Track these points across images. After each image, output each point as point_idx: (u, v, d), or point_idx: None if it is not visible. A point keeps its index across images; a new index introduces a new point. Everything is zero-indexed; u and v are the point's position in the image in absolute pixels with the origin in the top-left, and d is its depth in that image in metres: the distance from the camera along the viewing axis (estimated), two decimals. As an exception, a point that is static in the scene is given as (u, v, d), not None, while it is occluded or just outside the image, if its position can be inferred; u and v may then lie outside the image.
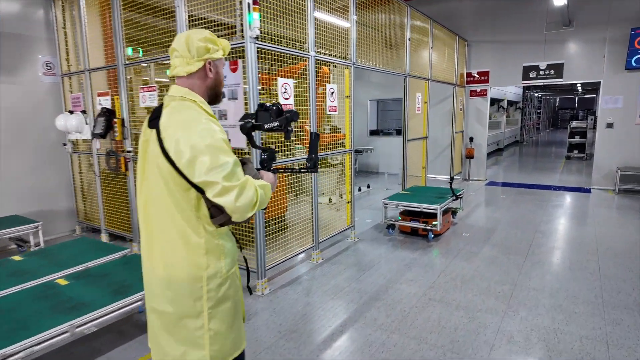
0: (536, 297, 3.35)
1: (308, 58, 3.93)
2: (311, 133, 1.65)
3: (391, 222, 5.16)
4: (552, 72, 8.15)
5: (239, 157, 1.58)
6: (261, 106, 1.64)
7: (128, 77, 4.55)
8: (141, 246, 1.50)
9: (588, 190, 7.82)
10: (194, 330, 1.43)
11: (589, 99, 38.20)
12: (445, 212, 5.12)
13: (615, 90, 7.56)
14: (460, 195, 5.29)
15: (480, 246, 4.66)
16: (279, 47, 3.54)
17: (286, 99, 3.69)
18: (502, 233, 5.15)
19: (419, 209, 4.88)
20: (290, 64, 3.97)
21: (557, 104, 39.74)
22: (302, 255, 4.30)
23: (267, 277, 3.61)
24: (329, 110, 4.35)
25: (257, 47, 3.29)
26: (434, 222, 4.80)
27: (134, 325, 3.02)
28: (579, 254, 4.32)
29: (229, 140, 1.66)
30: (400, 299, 3.38)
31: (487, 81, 8.98)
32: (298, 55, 3.83)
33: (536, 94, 26.98)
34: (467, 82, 9.19)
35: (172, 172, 1.35)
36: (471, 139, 9.33)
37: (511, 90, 18.05)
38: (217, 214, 1.39)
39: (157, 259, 1.43)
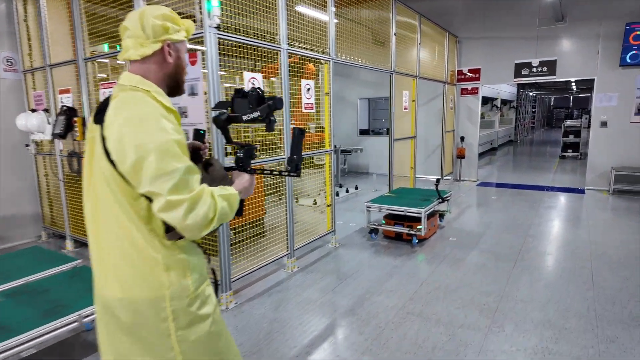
0: (524, 310, 3.08)
1: (280, 51, 3.65)
2: (294, 129, 1.39)
3: (374, 226, 4.88)
4: (544, 69, 7.90)
5: (205, 158, 1.35)
6: (238, 92, 1.40)
7: (92, 72, 4.25)
8: (92, 263, 1.30)
9: (582, 191, 7.58)
10: (161, 354, 1.23)
11: (584, 98, 38.19)
12: (431, 215, 4.85)
13: (609, 88, 7.32)
14: (446, 197, 5.02)
15: (467, 252, 4.39)
16: (243, 37, 3.24)
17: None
18: (491, 237, 4.88)
19: (402, 213, 4.61)
20: (275, 60, 3.72)
21: (552, 103, 39.68)
22: (277, 262, 4.00)
23: (232, 289, 3.32)
24: (305, 108, 4.07)
25: (219, 38, 3.00)
26: (418, 227, 4.53)
27: (80, 346, 2.72)
28: (571, 261, 4.06)
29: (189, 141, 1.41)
30: (376, 312, 3.10)
31: (478, 79, 8.73)
32: (267, 48, 3.54)
33: (531, 93, 26.84)
34: (458, 80, 8.93)
35: (117, 178, 1.16)
36: (462, 139, 9.08)
37: (505, 89, 17.84)
38: (172, 228, 1.19)
39: (111, 278, 1.24)
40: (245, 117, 1.36)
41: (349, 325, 2.94)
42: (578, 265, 3.93)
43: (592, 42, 7.39)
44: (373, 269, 3.98)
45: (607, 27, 7.19)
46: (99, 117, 1.20)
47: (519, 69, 8.16)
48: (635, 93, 7.11)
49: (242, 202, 1.38)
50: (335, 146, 8.28)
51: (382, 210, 4.80)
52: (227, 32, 3.09)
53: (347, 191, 7.97)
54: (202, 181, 1.24)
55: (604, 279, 3.58)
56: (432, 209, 4.74)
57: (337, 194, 7.60)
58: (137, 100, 1.19)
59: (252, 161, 1.43)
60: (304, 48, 4.07)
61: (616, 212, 6.02)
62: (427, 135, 9.27)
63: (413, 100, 6.83)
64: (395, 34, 5.86)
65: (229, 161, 3.02)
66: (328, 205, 4.70)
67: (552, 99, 39.49)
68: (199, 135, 1.52)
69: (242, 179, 1.39)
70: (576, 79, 7.73)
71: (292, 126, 4.72)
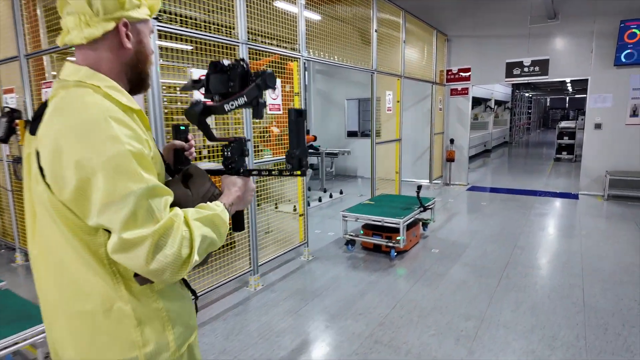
0: (505, 338, 2.74)
1: (238, 46, 3.29)
2: (289, 110, 1.06)
3: (351, 237, 4.52)
4: (536, 68, 7.58)
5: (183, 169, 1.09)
6: (215, 66, 1.04)
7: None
8: (42, 316, 1.01)
9: (575, 196, 7.26)
10: None
11: (580, 99, 38.06)
12: (412, 225, 4.50)
13: (604, 88, 7.01)
14: (429, 206, 4.67)
15: (449, 266, 4.05)
16: (188, 30, 2.88)
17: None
18: (477, 249, 4.54)
19: (380, 223, 4.26)
20: (253, 59, 3.39)
21: (548, 104, 39.52)
22: (241, 279, 3.64)
23: (180, 313, 2.95)
24: (269, 109, 3.71)
25: (158, 30, 2.63)
26: (398, 238, 4.18)
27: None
28: (561, 277, 3.71)
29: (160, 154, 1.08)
30: (339, 342, 2.74)
31: (468, 79, 8.40)
32: (222, 43, 3.18)
33: (526, 94, 26.59)
34: (448, 80, 8.60)
35: (61, 209, 0.87)
36: (452, 141, 8.75)
37: (499, 90, 17.55)
38: None
39: (66, 338, 0.95)
40: (228, 106, 1.01)
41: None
42: (568, 282, 3.59)
43: (585, 41, 7.08)
44: (345, 287, 3.62)
45: (601, 25, 6.87)
46: (34, 126, 0.90)
47: (510, 69, 7.84)
48: (631, 94, 6.80)
49: (240, 214, 1.13)
50: (316, 148, 7.93)
51: (358, 220, 4.45)
52: (171, 24, 2.73)
53: (330, 196, 7.62)
54: (183, 201, 0.97)
55: (596, 300, 3.23)
56: (412, 219, 4.39)
57: (320, 200, 7.24)
58: (81, 100, 0.88)
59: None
60: (270, 44, 3.71)
61: (610, 219, 5.69)
62: (416, 138, 8.94)
63: (398, 102, 6.49)
64: (376, 31, 5.51)
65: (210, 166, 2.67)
66: (300, 215, 4.34)
67: (548, 100, 39.34)
68: (179, 132, 1.21)
69: (234, 185, 1.09)
70: (569, 79, 7.42)
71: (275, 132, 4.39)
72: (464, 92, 8.53)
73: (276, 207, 6.56)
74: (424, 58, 7.66)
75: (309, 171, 7.54)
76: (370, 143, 5.75)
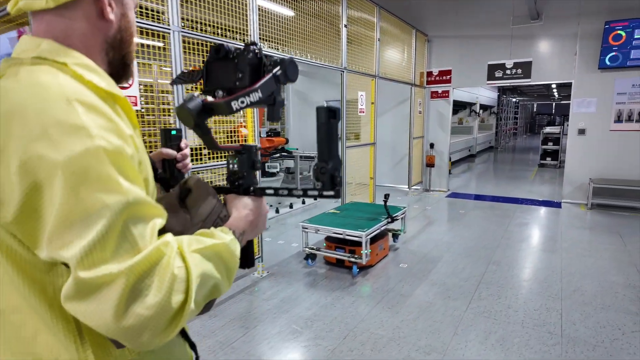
0: (469, 379, 2.33)
1: (169, 34, 2.84)
2: (320, 110, 0.79)
3: (311, 251, 4.09)
4: (519, 71, 7.27)
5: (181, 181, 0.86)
6: (217, 51, 0.79)
7: None
8: None
9: (558, 205, 6.95)
10: None
11: (566, 105, 38.36)
12: (379, 237, 4.09)
13: (588, 92, 6.72)
14: (397, 216, 4.26)
15: (415, 284, 3.63)
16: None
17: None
18: (449, 264, 4.14)
19: (341, 236, 3.83)
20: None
21: (534, 109, 39.77)
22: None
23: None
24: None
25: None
26: (362, 251, 3.76)
27: None
28: (538, 299, 3.33)
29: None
30: (272, 384, 2.30)
31: (449, 81, 8.06)
32: (150, 29, 2.73)
33: (513, 99, 26.59)
34: (428, 82, 8.25)
35: (2, 235, 0.60)
36: (432, 146, 8.39)
37: (484, 94, 17.37)
38: None
39: None
40: (236, 104, 0.73)
41: (228, 406, 2.14)
42: (545, 305, 3.20)
43: (569, 43, 6.79)
44: (296, 310, 3.18)
45: (585, 26, 6.59)
46: None
47: (492, 71, 7.51)
48: (615, 98, 6.52)
49: (250, 245, 0.89)
50: (288, 152, 7.45)
51: (319, 231, 4.01)
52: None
53: (303, 202, 7.19)
54: (179, 227, 0.74)
55: (576, 328, 2.85)
56: (378, 231, 3.98)
57: (291, 206, 6.81)
58: (33, 80, 0.61)
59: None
60: (213, 33, 3.27)
61: (594, 231, 5.36)
62: (395, 142, 8.58)
63: (372, 103, 6.09)
64: (345, 26, 5.11)
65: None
66: (253, 226, 3.89)
67: (535, 106, 39.60)
68: (169, 137, 1.00)
69: (244, 207, 0.84)
70: (553, 82, 7.13)
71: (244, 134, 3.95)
72: (445, 94, 8.19)
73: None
74: (403, 59, 7.30)
75: (281, 174, 7.11)
76: (340, 147, 5.33)
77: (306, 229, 4.08)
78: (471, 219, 6.03)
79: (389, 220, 4.18)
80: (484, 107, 17.21)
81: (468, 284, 3.65)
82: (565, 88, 25.76)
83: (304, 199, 7.31)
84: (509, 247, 4.65)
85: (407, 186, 8.43)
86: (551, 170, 11.42)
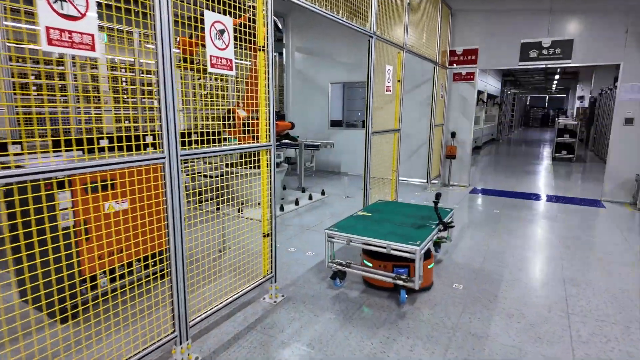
0: None
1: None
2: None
3: (339, 267, 3.11)
4: (557, 51, 6.36)
5: None
6: None
7: None
8: None
9: (598, 203, 6.12)
10: None
11: (560, 98, 38.10)
12: (427, 251, 3.13)
13: (638, 76, 5.85)
14: (450, 222, 3.29)
15: (486, 317, 2.71)
16: None
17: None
18: (514, 284, 3.23)
19: (384, 248, 2.86)
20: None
21: (528, 102, 39.36)
22: (163, 347, 2.16)
23: None
24: (212, 65, 2.22)
25: None
26: (416, 272, 2.80)
27: None
28: (662, 342, 2.44)
29: None
30: None
31: (474, 61, 7.11)
32: None
33: (509, 91, 25.94)
34: (450, 63, 7.29)
35: None
36: (453, 135, 7.47)
37: (491, 83, 16.57)
38: None
39: None
40: None
41: None
42: (680, 354, 2.31)
43: (618, 18, 5.88)
44: (332, 362, 2.21)
45: (641, -2, 5.69)
46: None
47: (526, 51, 6.59)
48: (672, 83, 5.68)
49: None
50: (294, 139, 6.39)
51: (352, 242, 3.03)
52: None
53: (310, 198, 6.19)
54: None
55: None
56: (430, 243, 3.02)
57: (297, 203, 5.80)
58: None
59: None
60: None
61: (661, 237, 4.53)
62: (410, 130, 7.63)
63: (398, 81, 5.10)
64: (377, -20, 4.07)
65: None
66: (265, 236, 2.89)
67: (529, 99, 39.19)
68: None
69: None
70: (596, 64, 6.28)
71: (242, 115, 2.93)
72: (470, 77, 7.25)
73: (240, 212, 5.09)
74: (423, 35, 6.29)
75: (284, 165, 6.09)
76: (365, 133, 4.33)
77: (333, 238, 3.09)
78: (510, 220, 5.13)
79: (442, 227, 3.23)
80: (489, 97, 16.40)
81: (554, 315, 2.74)
82: (565, 80, 25.24)
83: (311, 194, 6.31)
84: (574, 259, 3.76)
85: (424, 180, 7.51)
86: (566, 164, 10.67)
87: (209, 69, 2.19)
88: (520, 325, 2.62)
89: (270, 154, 2.76)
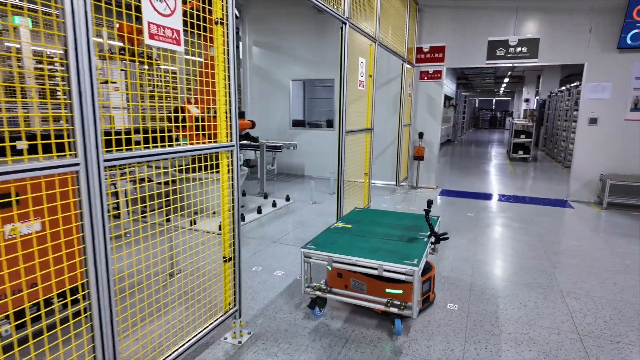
0: None
1: None
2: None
3: (318, 293, 2.57)
4: (524, 50, 6.28)
5: None
6: None
7: None
8: None
9: (565, 203, 6.10)
10: None
11: (505, 101, 40.26)
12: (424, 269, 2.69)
13: (602, 76, 5.89)
14: (444, 235, 2.87)
15: (494, 347, 2.30)
16: None
17: None
18: (512, 302, 2.88)
19: (374, 271, 2.37)
20: None
21: (477, 105, 41.20)
22: None
23: None
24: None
25: None
26: (414, 297, 2.33)
27: None
28: (690, 367, 2.16)
29: None
30: None
31: (442, 59, 6.89)
32: None
33: (464, 93, 26.86)
34: (417, 61, 7.03)
35: None
36: (421, 135, 7.21)
37: (448, 85, 16.85)
38: None
39: None
40: None
41: None
42: None
43: (584, 18, 5.89)
44: None
45: (605, -2, 5.72)
46: None
47: (493, 49, 6.46)
48: (633, 83, 5.75)
49: None
50: (254, 139, 5.71)
51: (334, 262, 2.50)
52: None
53: (274, 205, 5.60)
54: None
55: None
56: (426, 259, 2.58)
57: (259, 211, 5.20)
58: None
59: None
60: None
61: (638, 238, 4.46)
62: (376, 129, 7.27)
63: (370, 76, 4.68)
64: (351, -42, 3.60)
65: None
66: (227, 260, 2.29)
67: (478, 101, 41.03)
68: None
69: None
70: (561, 63, 6.28)
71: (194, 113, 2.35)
72: (437, 75, 7.02)
73: (193, 224, 4.40)
74: (391, 29, 5.94)
75: (244, 168, 5.45)
76: (338, 132, 3.84)
77: (310, 257, 2.55)
78: (487, 225, 4.88)
79: (434, 239, 2.80)
80: (446, 98, 16.65)
81: (565, 339, 2.39)
82: (512, 84, 26.53)
83: (274, 200, 5.72)
84: (567, 268, 3.52)
85: (392, 182, 7.19)
86: (524, 164, 10.91)
87: (147, 40, 1.58)
88: (533, 354, 2.25)
89: (232, 157, 2.18)
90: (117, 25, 4.42)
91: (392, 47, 5.46)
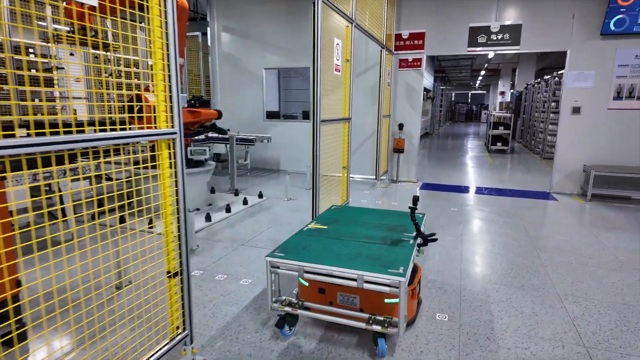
0: None
1: None
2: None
3: (287, 309, 2.18)
4: (506, 36, 6.04)
5: None
6: None
7: None
8: None
9: (548, 195, 5.92)
10: None
11: (481, 95, 40.82)
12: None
13: (585, 64, 5.70)
14: (432, 236, 2.52)
15: (494, 367, 1.98)
16: None
17: None
18: (506, 308, 2.57)
19: (354, 280, 1.99)
20: None
21: (453, 98, 41.59)
22: None
23: None
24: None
25: None
26: (401, 312, 1.97)
27: None
28: None
29: None
30: None
31: (421, 47, 6.57)
32: None
33: (439, 87, 26.88)
34: (396, 48, 6.68)
35: None
36: (401, 127, 6.89)
37: (426, 77, 16.68)
38: None
39: None
40: None
41: None
42: None
43: (567, 3, 5.67)
44: None
45: (588, -18, 5.51)
46: None
47: (474, 36, 6.19)
48: (616, 71, 5.59)
49: None
50: (223, 132, 5.12)
51: (307, 272, 2.11)
52: None
53: (245, 202, 5.16)
54: None
55: None
56: (412, 265, 2.22)
57: (228, 209, 4.74)
58: None
59: None
60: None
61: (627, 231, 4.27)
62: (354, 121, 6.90)
63: (347, 61, 4.28)
64: None
65: None
66: (172, 275, 1.86)
67: (454, 95, 41.43)
68: None
69: None
70: (544, 50, 6.08)
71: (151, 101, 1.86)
72: (416, 64, 6.70)
73: (151, 226, 3.91)
74: (366, 15, 5.56)
75: (211, 163, 4.96)
76: (312, 121, 3.43)
77: (278, 268, 2.14)
78: (472, 220, 4.61)
79: (421, 240, 2.45)
80: (424, 91, 16.50)
81: (571, 353, 2.09)
82: (488, 77, 26.75)
83: (245, 198, 5.28)
84: (560, 266, 3.25)
85: (371, 176, 6.85)
86: (503, 156, 10.82)
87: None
88: (538, 374, 1.93)
89: (175, 147, 1.74)
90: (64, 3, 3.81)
91: (370, 31, 5.07)
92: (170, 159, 1.74)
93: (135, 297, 2.14)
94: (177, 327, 1.91)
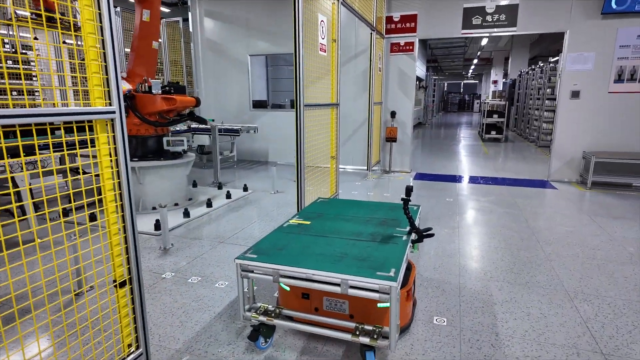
0: None
1: None
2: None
3: (263, 318, 1.88)
4: (502, 17, 5.74)
5: None
6: None
7: None
8: None
9: (547, 184, 5.69)
10: None
11: (473, 84, 40.62)
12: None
13: (584, 45, 5.43)
14: (427, 232, 2.24)
15: (501, 382, 1.71)
16: None
17: None
18: (512, 309, 2.31)
19: (337, 285, 1.70)
20: None
21: (445, 88, 41.33)
22: None
23: None
24: None
25: None
26: (392, 320, 1.69)
27: None
28: None
29: None
30: None
31: (414, 29, 6.25)
32: None
33: (432, 77, 26.58)
34: (387, 32, 6.35)
35: None
36: (393, 114, 6.60)
37: (419, 66, 16.36)
38: None
39: None
40: None
41: None
42: None
43: (565, -19, 5.38)
44: None
45: (588, -42, 5.21)
46: None
47: (468, 17, 5.88)
48: (617, 53, 5.33)
49: None
50: (200, 121, 4.60)
51: (281, 276, 1.82)
52: None
53: (228, 196, 4.84)
54: None
55: None
56: (405, 265, 1.94)
57: (210, 204, 4.42)
58: None
59: None
60: None
61: (633, 221, 4.04)
62: (344, 109, 6.59)
63: (334, 41, 3.96)
64: None
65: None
66: (119, 285, 1.55)
67: (446, 85, 41.16)
68: None
69: None
70: (541, 32, 5.79)
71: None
72: (409, 48, 6.38)
73: (94, 224, 3.59)
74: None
75: (191, 155, 4.63)
76: (295, 106, 3.12)
77: (249, 272, 1.84)
78: (468, 211, 4.35)
79: (416, 236, 2.16)
80: (417, 80, 16.20)
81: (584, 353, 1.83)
82: (480, 67, 26.48)
83: (229, 191, 4.96)
84: (566, 260, 3.00)
85: (363, 167, 6.57)
86: (497, 144, 10.59)
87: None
88: (552, 389, 1.67)
89: (115, 130, 1.42)
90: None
91: (359, 11, 4.74)
92: (109, 144, 1.42)
93: (87, 307, 1.84)
94: (129, 345, 1.61)
